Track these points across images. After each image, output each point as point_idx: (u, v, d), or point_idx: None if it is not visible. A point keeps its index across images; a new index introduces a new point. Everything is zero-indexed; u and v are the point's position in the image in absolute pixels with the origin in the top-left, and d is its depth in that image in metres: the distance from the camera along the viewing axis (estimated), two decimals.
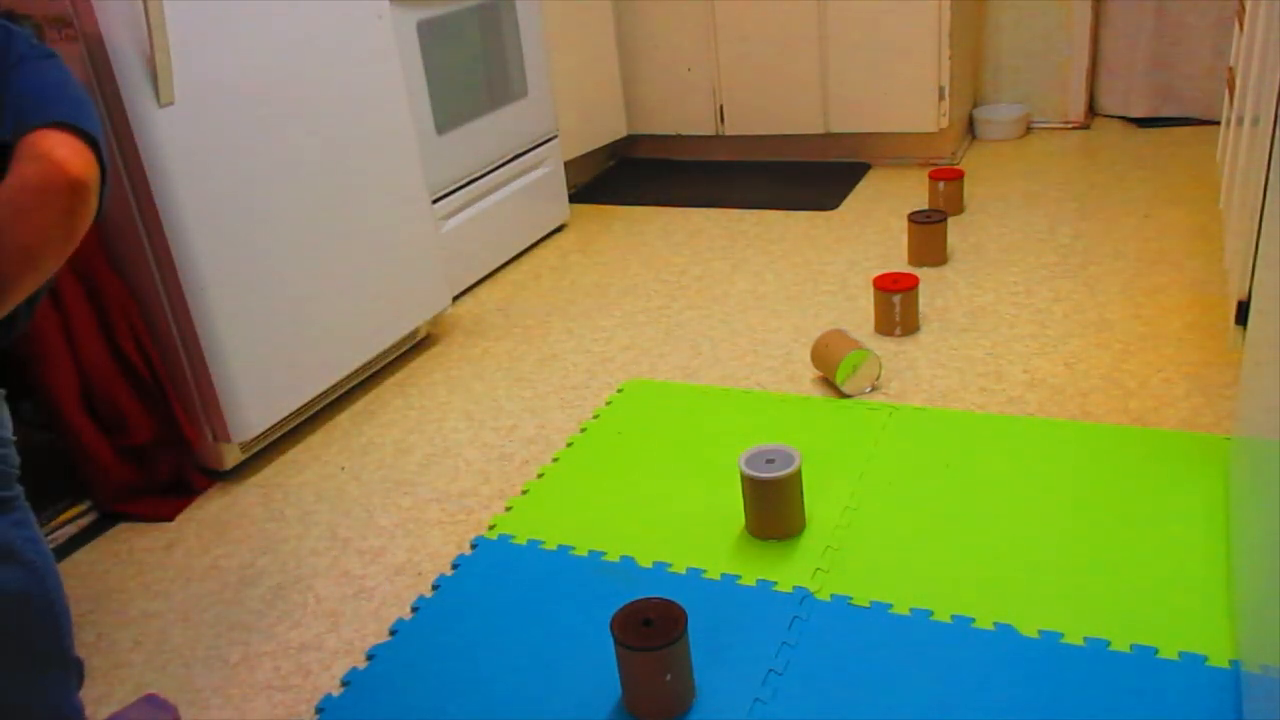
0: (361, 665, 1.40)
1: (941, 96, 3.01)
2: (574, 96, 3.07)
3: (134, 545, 1.72)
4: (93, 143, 0.99)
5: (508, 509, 1.69)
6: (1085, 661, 1.25)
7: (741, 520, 1.59)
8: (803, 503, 1.55)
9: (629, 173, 3.41)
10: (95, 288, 1.66)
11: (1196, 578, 1.36)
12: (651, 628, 1.21)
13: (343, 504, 1.77)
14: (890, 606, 1.38)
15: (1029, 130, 3.36)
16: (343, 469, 1.87)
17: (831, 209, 2.88)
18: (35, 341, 1.60)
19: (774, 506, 1.52)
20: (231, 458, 1.86)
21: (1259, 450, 1.16)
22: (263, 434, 1.89)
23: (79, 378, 1.66)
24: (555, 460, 1.81)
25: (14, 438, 1.07)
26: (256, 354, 1.80)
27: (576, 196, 3.20)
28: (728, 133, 3.31)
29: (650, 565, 1.52)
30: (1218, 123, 3.07)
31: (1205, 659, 1.23)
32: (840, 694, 1.25)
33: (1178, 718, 1.16)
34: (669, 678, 1.22)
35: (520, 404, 2.02)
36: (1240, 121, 1.86)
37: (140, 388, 1.72)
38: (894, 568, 1.45)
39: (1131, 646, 1.26)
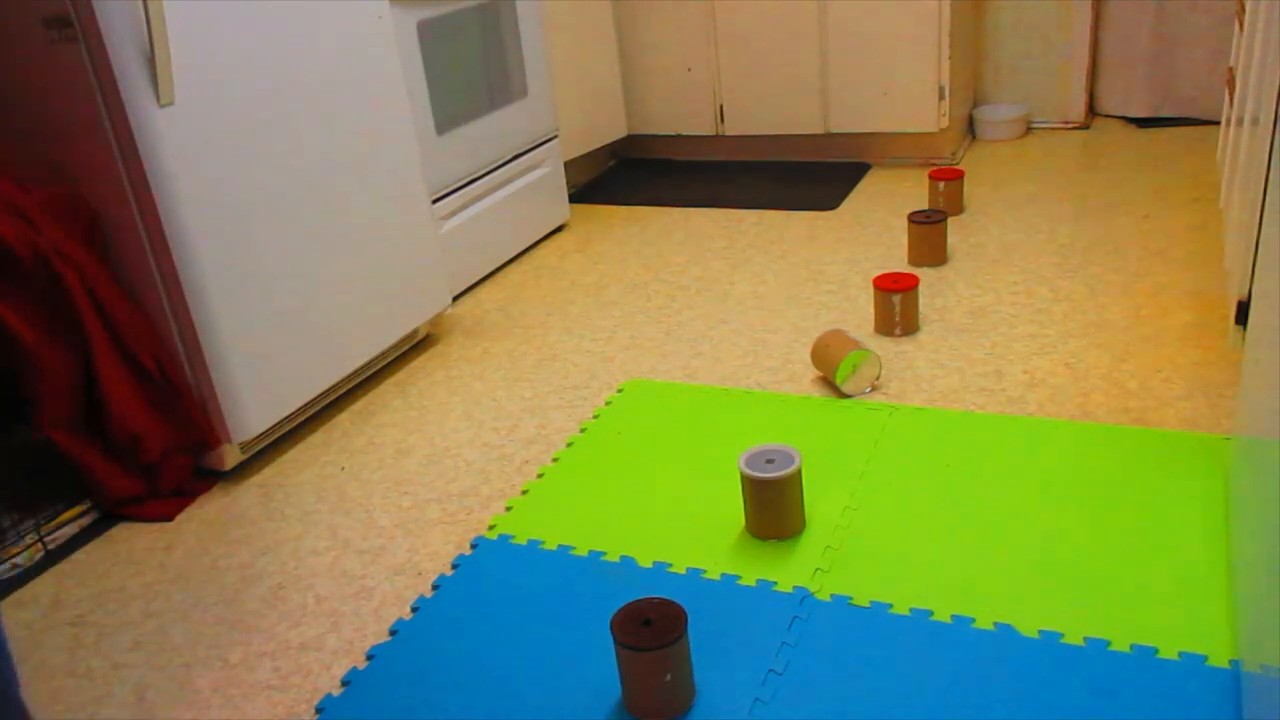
0: (361, 665, 1.40)
1: (941, 96, 3.01)
2: (574, 96, 3.07)
3: (134, 545, 1.72)
4: None
5: (508, 509, 1.69)
6: (1085, 661, 1.25)
7: (741, 520, 1.59)
8: (803, 503, 1.55)
9: (629, 173, 3.41)
10: (104, 307, 1.66)
11: (1196, 578, 1.36)
12: (651, 628, 1.22)
13: (343, 504, 1.77)
14: (890, 606, 1.38)
15: (1029, 130, 3.36)
16: (343, 469, 1.87)
17: (831, 209, 2.88)
18: (31, 361, 1.59)
19: (774, 506, 1.52)
20: (231, 458, 1.86)
21: (1259, 450, 1.16)
22: (263, 434, 1.89)
23: (77, 398, 1.66)
24: (555, 460, 1.81)
25: None
26: (256, 354, 1.80)
27: (576, 196, 3.20)
28: (728, 133, 3.31)
29: (650, 565, 1.52)
30: (1218, 123, 3.07)
31: (1205, 659, 1.23)
32: (840, 694, 1.25)
33: (1178, 718, 1.16)
34: (669, 678, 1.22)
35: (520, 404, 2.02)
36: (1240, 121, 1.86)
37: (157, 400, 1.72)
38: (894, 568, 1.45)
39: (1131, 646, 1.26)
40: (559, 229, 2.95)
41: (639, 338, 2.24)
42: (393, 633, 1.45)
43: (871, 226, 2.72)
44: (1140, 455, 1.63)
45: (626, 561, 1.53)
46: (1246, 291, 1.56)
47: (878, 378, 1.94)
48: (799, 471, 1.52)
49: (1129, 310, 2.10)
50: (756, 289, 2.42)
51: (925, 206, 2.80)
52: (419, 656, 1.39)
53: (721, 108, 3.29)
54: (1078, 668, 1.24)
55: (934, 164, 3.12)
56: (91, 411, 1.69)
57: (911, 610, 1.37)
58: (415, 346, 2.30)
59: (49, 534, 1.71)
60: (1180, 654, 1.24)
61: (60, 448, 1.66)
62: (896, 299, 2.08)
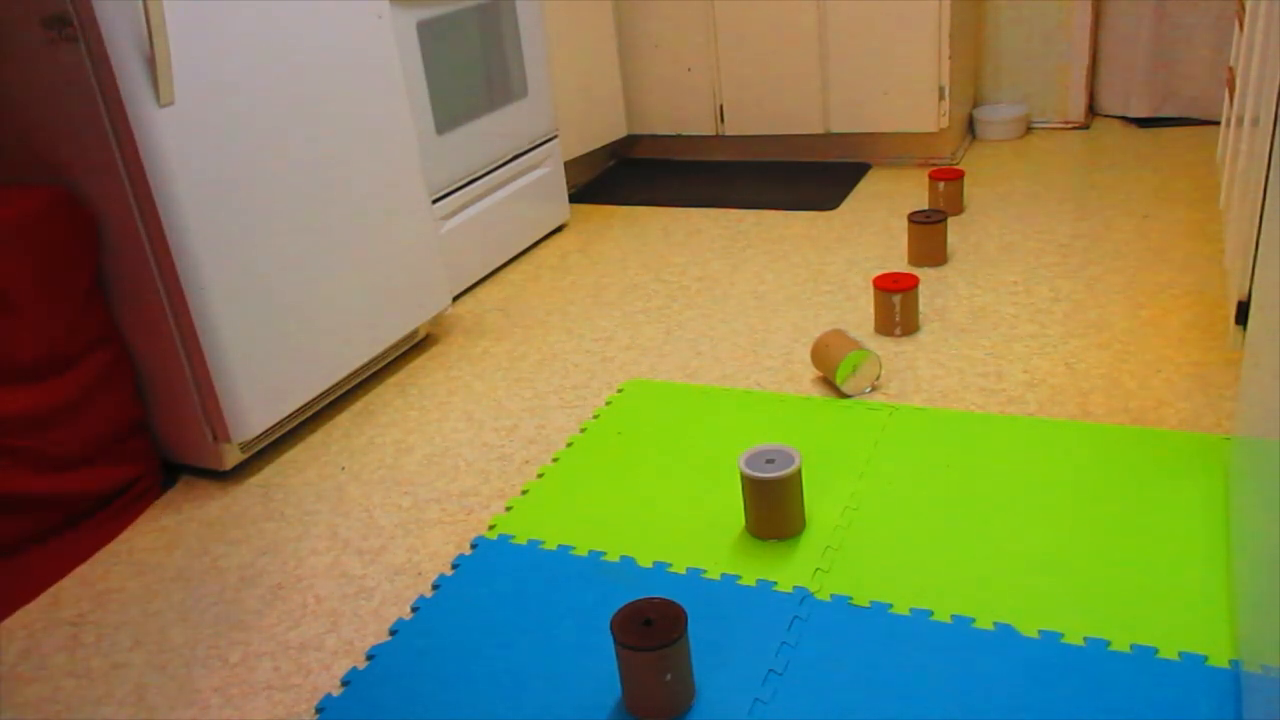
0: (361, 665, 1.40)
1: (941, 96, 3.01)
2: (574, 96, 3.07)
3: (134, 545, 1.72)
4: None
5: (508, 509, 1.69)
6: (1085, 661, 1.25)
7: (741, 520, 1.59)
8: (803, 503, 1.55)
9: (629, 173, 3.41)
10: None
11: (1196, 578, 1.36)
12: (651, 628, 1.22)
13: (343, 504, 1.77)
14: (890, 606, 1.38)
15: (1029, 130, 3.36)
16: (343, 469, 1.87)
17: (831, 209, 2.88)
18: None
19: (774, 506, 1.52)
20: (231, 458, 1.86)
21: (1259, 450, 1.16)
22: (263, 434, 1.89)
23: None
24: (555, 460, 1.81)
25: None
26: (256, 354, 1.80)
27: (576, 196, 3.20)
28: (728, 133, 3.31)
29: (650, 565, 1.52)
30: (1218, 123, 3.07)
31: (1205, 659, 1.23)
32: (840, 694, 1.25)
33: (1178, 718, 1.16)
34: (669, 678, 1.22)
35: (520, 404, 2.02)
36: (1240, 121, 1.86)
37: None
38: (894, 568, 1.45)
39: (1131, 646, 1.26)
40: (559, 229, 2.95)
41: (639, 338, 2.24)
42: (393, 633, 1.45)
43: (871, 226, 2.72)
44: (1140, 455, 1.63)
45: (626, 561, 1.53)
46: (1246, 291, 1.57)
47: (878, 378, 1.94)
48: (799, 471, 1.52)
49: (1129, 310, 2.10)
50: (756, 289, 2.42)
51: (925, 206, 2.80)
52: (419, 656, 1.39)
53: (721, 108, 3.28)
54: (1078, 668, 1.24)
55: (934, 164, 3.12)
56: None
57: (911, 610, 1.37)
58: (415, 346, 2.30)
59: None
60: (1180, 654, 1.24)
61: None
62: (896, 299, 2.08)
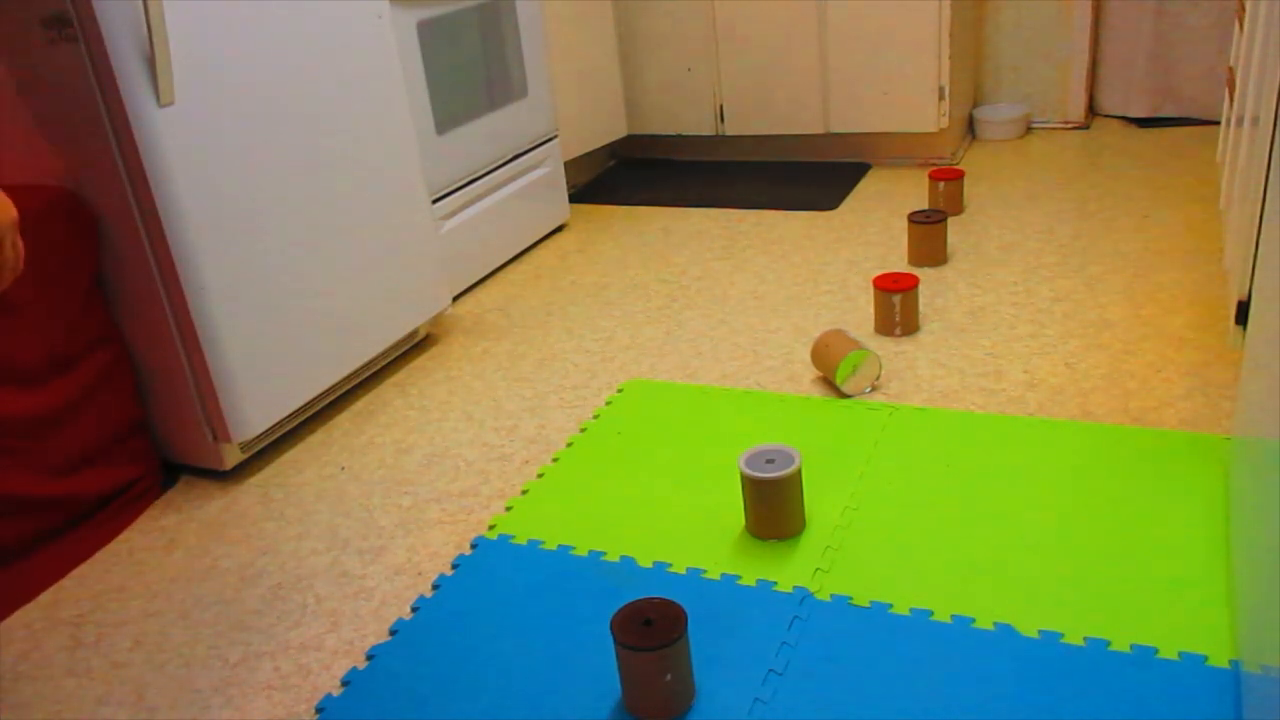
0: (361, 665, 1.40)
1: (941, 96, 3.01)
2: (574, 96, 3.07)
3: (134, 545, 1.72)
4: None
5: (508, 509, 1.69)
6: (1085, 661, 1.25)
7: (741, 520, 1.59)
8: (803, 503, 1.55)
9: (629, 173, 3.41)
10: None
11: (1196, 578, 1.36)
12: (651, 628, 1.22)
13: (343, 504, 1.77)
14: (890, 606, 1.38)
15: (1029, 130, 3.36)
16: (343, 469, 1.87)
17: (831, 209, 2.88)
18: None
19: (774, 506, 1.52)
20: (231, 458, 1.86)
21: (1259, 450, 1.16)
22: (263, 434, 1.89)
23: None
24: (555, 460, 1.81)
25: None
26: (256, 354, 1.80)
27: (576, 196, 3.20)
28: (728, 133, 3.31)
29: (650, 565, 1.52)
30: (1218, 123, 3.07)
31: (1205, 659, 1.23)
32: (840, 694, 1.25)
33: (1178, 718, 1.16)
34: (669, 678, 1.22)
35: (520, 404, 2.02)
36: (1240, 121, 1.87)
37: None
38: (894, 568, 1.45)
39: (1131, 646, 1.26)
40: (559, 229, 2.95)
41: (639, 338, 2.24)
42: (393, 633, 1.45)
43: (871, 226, 2.72)
44: (1140, 455, 1.63)
45: (626, 561, 1.53)
46: (1246, 291, 1.57)
47: (878, 378, 1.94)
48: (799, 471, 1.52)
49: (1129, 310, 2.10)
50: (756, 289, 2.42)
51: (925, 206, 2.80)
52: (419, 656, 1.39)
53: (721, 108, 3.28)
54: (1078, 668, 1.24)
55: (934, 164, 3.12)
56: None
57: (911, 610, 1.37)
58: (415, 346, 2.30)
59: None
60: (1180, 654, 1.24)
61: None
62: (896, 299, 2.08)
